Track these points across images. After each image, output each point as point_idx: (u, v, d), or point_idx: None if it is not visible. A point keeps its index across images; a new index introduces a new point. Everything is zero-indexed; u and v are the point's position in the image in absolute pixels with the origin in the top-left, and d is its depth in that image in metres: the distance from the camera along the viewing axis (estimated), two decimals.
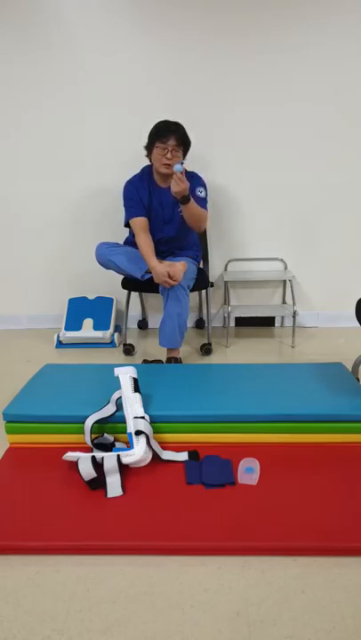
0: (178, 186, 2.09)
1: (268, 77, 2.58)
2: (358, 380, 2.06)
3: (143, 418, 1.66)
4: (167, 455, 1.65)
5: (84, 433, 1.68)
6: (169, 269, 2.19)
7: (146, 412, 1.70)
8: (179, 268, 2.23)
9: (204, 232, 2.72)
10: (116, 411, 1.72)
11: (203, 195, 2.37)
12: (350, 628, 1.09)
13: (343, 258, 2.91)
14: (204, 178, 2.40)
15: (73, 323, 2.84)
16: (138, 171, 2.41)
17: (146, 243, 2.28)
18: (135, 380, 1.76)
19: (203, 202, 2.37)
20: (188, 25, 2.49)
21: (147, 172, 2.37)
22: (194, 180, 2.37)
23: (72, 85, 2.62)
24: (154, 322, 3.02)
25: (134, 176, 2.40)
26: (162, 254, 2.42)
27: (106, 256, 2.41)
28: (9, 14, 2.50)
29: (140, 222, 2.32)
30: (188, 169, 2.40)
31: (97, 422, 1.68)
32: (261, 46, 2.52)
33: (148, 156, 2.32)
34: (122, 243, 2.53)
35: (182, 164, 2.10)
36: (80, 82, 2.61)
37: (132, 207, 2.35)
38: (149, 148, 2.28)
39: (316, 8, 2.45)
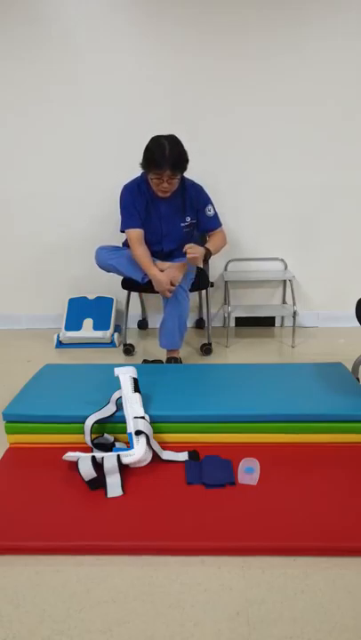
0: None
1: (268, 77, 2.57)
2: (358, 379, 2.06)
3: (143, 418, 1.66)
4: (167, 455, 1.65)
5: (84, 433, 1.68)
6: (169, 278, 2.18)
7: (146, 412, 1.70)
8: (178, 269, 2.23)
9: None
10: (116, 411, 1.72)
11: (212, 213, 2.38)
12: (350, 628, 1.09)
13: (343, 258, 2.91)
14: (200, 179, 2.39)
15: (73, 323, 2.84)
16: (137, 172, 2.40)
17: (143, 254, 2.26)
18: (135, 380, 1.76)
19: (214, 220, 2.39)
20: (188, 25, 2.49)
21: (144, 181, 2.30)
22: (200, 195, 2.36)
23: (72, 86, 2.61)
24: (154, 322, 3.02)
25: (132, 182, 2.34)
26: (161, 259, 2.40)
27: (106, 260, 2.41)
28: (8, 14, 2.50)
29: (135, 235, 2.29)
30: (189, 172, 2.40)
31: (97, 422, 1.68)
32: (262, 46, 2.52)
33: (145, 172, 2.24)
34: (121, 245, 2.53)
35: None
36: (80, 82, 2.61)
37: (127, 217, 2.31)
38: (145, 170, 2.20)
39: (317, 7, 2.45)
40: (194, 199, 2.34)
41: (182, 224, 2.36)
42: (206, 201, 2.37)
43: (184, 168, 2.18)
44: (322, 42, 2.51)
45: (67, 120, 2.68)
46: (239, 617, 1.12)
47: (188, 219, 2.35)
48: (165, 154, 2.07)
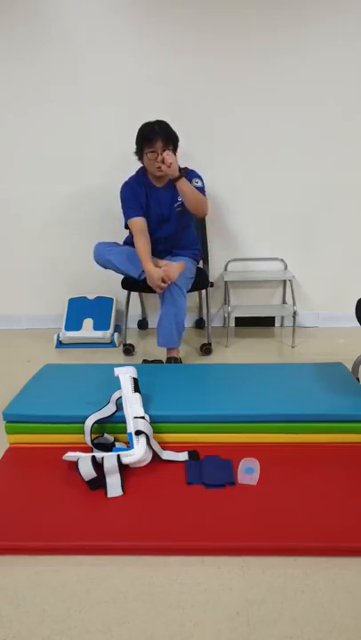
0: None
1: (268, 77, 2.57)
2: (358, 379, 2.06)
3: (143, 418, 1.66)
4: (167, 455, 1.65)
5: (84, 433, 1.68)
6: (163, 275, 2.19)
7: (146, 412, 1.70)
8: (175, 267, 2.23)
9: (205, 232, 2.72)
10: (116, 411, 1.72)
11: (200, 184, 2.37)
12: (350, 628, 1.09)
13: (343, 258, 2.91)
14: (200, 173, 2.40)
15: (73, 323, 2.84)
16: (137, 170, 2.41)
17: (143, 245, 2.28)
18: (135, 380, 1.76)
19: (201, 191, 2.36)
20: (188, 25, 2.49)
21: (142, 174, 2.37)
22: (188, 173, 2.36)
23: (72, 86, 2.62)
24: (154, 322, 3.01)
25: (130, 178, 2.40)
26: (161, 254, 2.42)
27: (104, 256, 2.41)
28: (8, 14, 2.50)
29: (137, 223, 2.31)
30: (186, 166, 2.41)
31: (97, 422, 1.68)
32: (262, 46, 2.52)
33: (140, 160, 2.31)
34: (121, 243, 2.53)
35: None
36: (80, 82, 2.61)
37: (129, 208, 2.34)
38: (139, 154, 2.28)
39: (317, 7, 2.45)
40: (187, 178, 2.34)
41: (175, 204, 2.37)
42: (194, 175, 2.38)
43: (175, 142, 2.24)
44: (322, 42, 2.51)
45: (67, 120, 2.68)
46: (239, 617, 1.12)
47: (180, 198, 2.35)
48: (155, 128, 2.18)
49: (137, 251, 2.29)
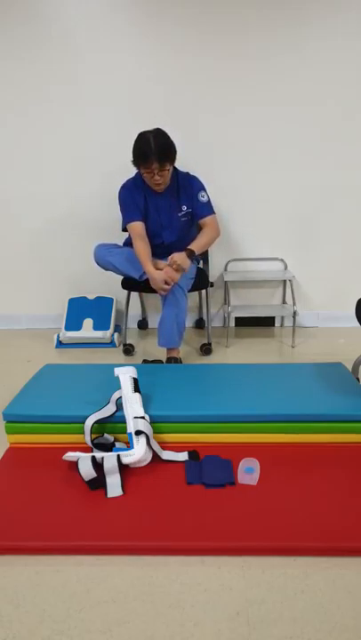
0: (177, 274, 2.20)
1: (268, 77, 2.57)
2: (358, 379, 2.06)
3: (143, 418, 1.66)
4: (167, 455, 1.65)
5: (84, 433, 1.68)
6: (165, 276, 2.18)
7: (146, 412, 1.70)
8: (175, 270, 2.23)
9: None
10: (116, 411, 1.72)
11: (205, 199, 2.37)
12: (350, 628, 1.09)
13: (343, 258, 2.91)
14: (200, 178, 2.40)
15: (73, 323, 2.84)
16: (136, 173, 2.40)
17: (142, 248, 2.26)
18: (135, 380, 1.76)
19: (207, 206, 2.37)
20: (188, 25, 2.49)
21: (140, 178, 2.32)
22: (193, 182, 2.37)
23: (72, 86, 2.61)
24: (154, 322, 3.01)
25: (128, 180, 2.37)
26: (161, 256, 2.41)
27: (104, 257, 2.41)
28: (8, 14, 2.50)
29: (136, 227, 2.30)
30: (187, 170, 2.41)
31: (97, 422, 1.68)
32: (262, 46, 2.52)
33: (137, 169, 2.26)
34: (121, 244, 2.53)
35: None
36: (80, 82, 2.61)
37: (128, 211, 2.33)
38: (135, 166, 2.23)
39: (317, 7, 2.45)
40: (187, 187, 2.35)
41: (179, 214, 2.36)
42: (199, 187, 2.37)
43: (172, 159, 2.20)
44: (322, 42, 2.51)
45: (67, 120, 2.68)
46: (239, 617, 1.12)
47: (185, 207, 2.35)
48: (151, 147, 2.11)
49: (137, 254, 2.28)
